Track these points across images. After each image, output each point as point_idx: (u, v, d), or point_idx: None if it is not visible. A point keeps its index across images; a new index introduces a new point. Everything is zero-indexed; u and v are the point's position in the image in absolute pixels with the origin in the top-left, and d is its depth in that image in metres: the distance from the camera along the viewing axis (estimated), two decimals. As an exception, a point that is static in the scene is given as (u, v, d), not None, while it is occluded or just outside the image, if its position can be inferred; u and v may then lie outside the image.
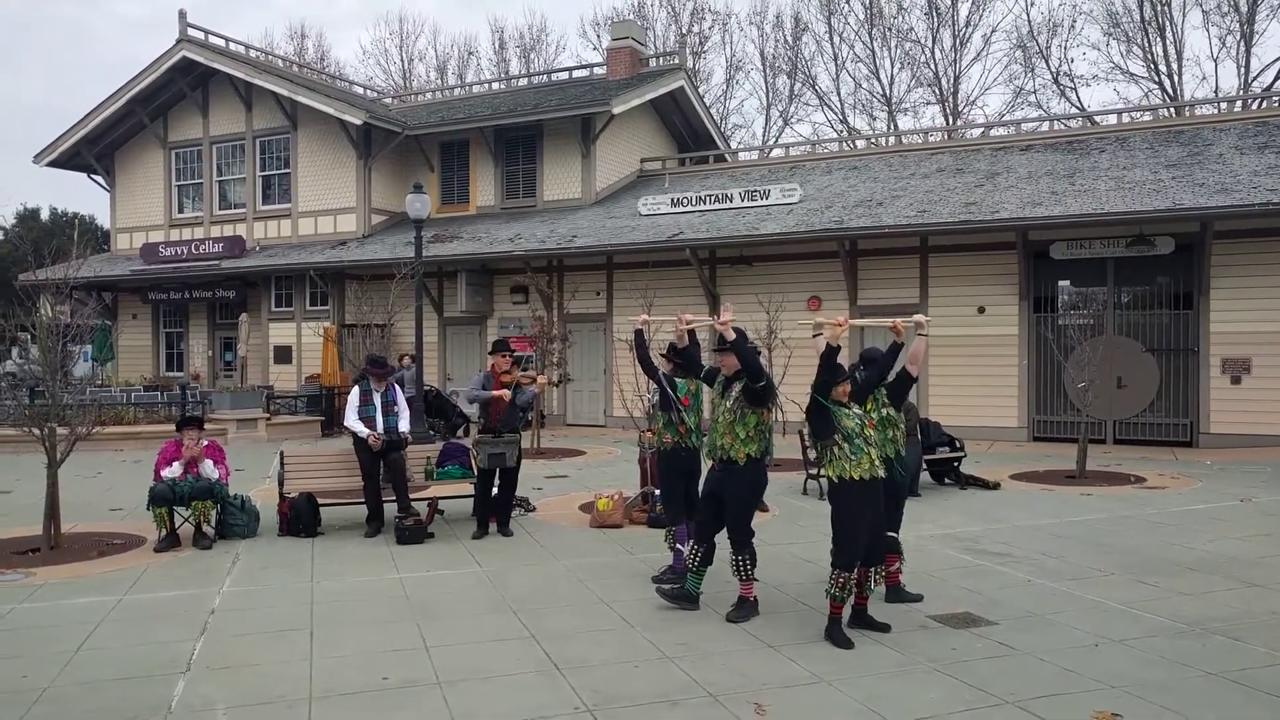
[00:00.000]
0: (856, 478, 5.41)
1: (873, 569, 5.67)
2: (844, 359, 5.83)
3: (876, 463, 5.52)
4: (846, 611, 5.58)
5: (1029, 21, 34.19)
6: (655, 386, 7.15)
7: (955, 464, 11.41)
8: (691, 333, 6.70)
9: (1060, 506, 9.85)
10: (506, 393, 8.48)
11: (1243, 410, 14.50)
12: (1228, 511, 9.49)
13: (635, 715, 4.42)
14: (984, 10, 35.11)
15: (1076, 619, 5.82)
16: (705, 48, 38.80)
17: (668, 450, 6.81)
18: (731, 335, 5.88)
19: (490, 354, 8.92)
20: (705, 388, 6.64)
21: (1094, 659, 5.09)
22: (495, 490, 8.78)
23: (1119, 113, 21.53)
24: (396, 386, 9.22)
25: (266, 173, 23.54)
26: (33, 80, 65.05)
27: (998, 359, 16.01)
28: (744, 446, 5.83)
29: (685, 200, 19.30)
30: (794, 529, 8.88)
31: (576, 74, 25.32)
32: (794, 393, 13.41)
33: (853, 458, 5.44)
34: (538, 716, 4.41)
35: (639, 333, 6.89)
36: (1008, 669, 4.94)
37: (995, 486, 11.12)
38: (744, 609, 5.95)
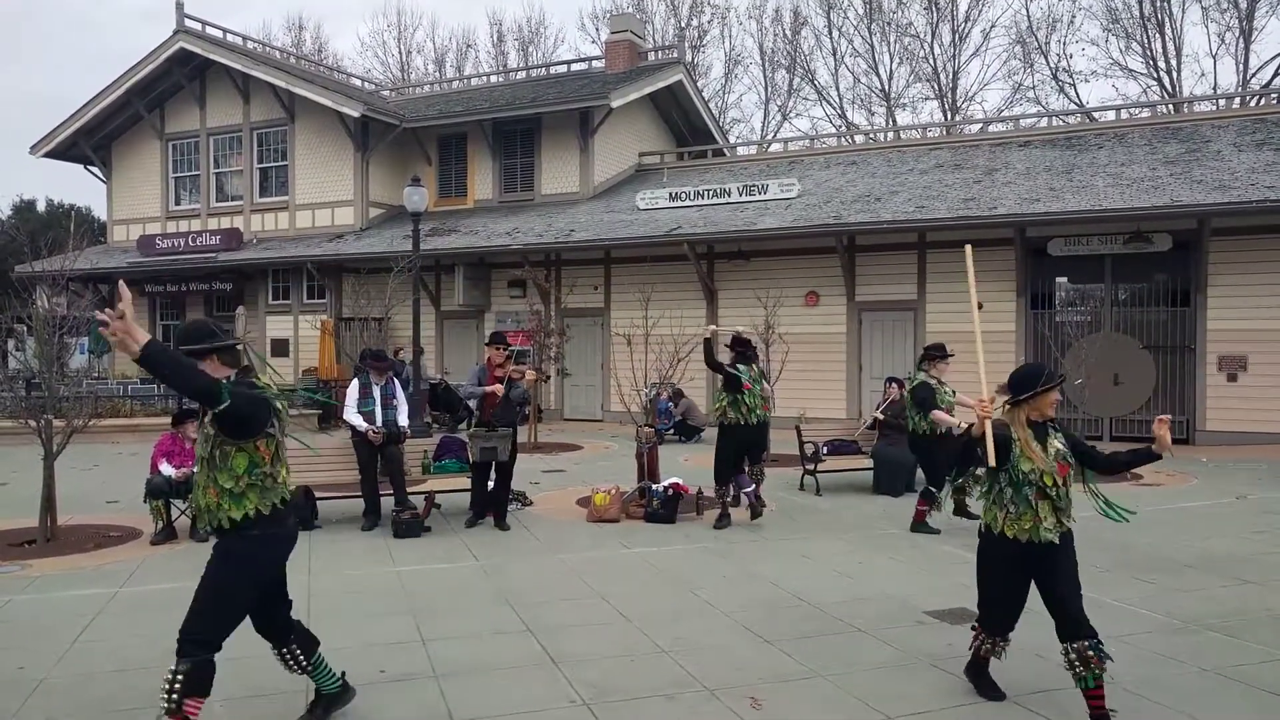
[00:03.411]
0: (1010, 535, 4.19)
1: (1074, 653, 4.06)
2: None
3: (1047, 526, 4.14)
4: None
5: (1028, 17, 34.33)
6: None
7: (952, 460, 11.39)
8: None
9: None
10: (499, 387, 8.52)
11: (1239, 408, 14.53)
12: (1224, 509, 9.51)
13: (632, 709, 4.42)
14: (983, 5, 35.15)
15: (1072, 615, 5.82)
16: (704, 41, 38.79)
17: (729, 425, 8.65)
18: (138, 343, 3.30)
19: (486, 345, 9.00)
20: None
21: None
22: (491, 485, 8.82)
23: (1117, 109, 21.52)
24: (396, 380, 9.22)
25: (264, 165, 23.47)
26: (31, 70, 64.84)
27: (995, 355, 15.97)
28: (235, 506, 3.80)
29: (683, 195, 19.28)
30: (791, 525, 8.87)
31: (575, 67, 25.28)
32: (793, 387, 13.49)
33: (1011, 509, 4.20)
34: (534, 710, 4.41)
35: (707, 341, 8.52)
36: (1004, 665, 4.93)
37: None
38: None
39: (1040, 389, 4.24)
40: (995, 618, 4.41)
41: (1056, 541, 4.16)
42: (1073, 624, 4.10)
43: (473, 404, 8.95)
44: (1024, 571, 4.25)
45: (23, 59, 64.62)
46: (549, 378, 16.35)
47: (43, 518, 7.98)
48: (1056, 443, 4.26)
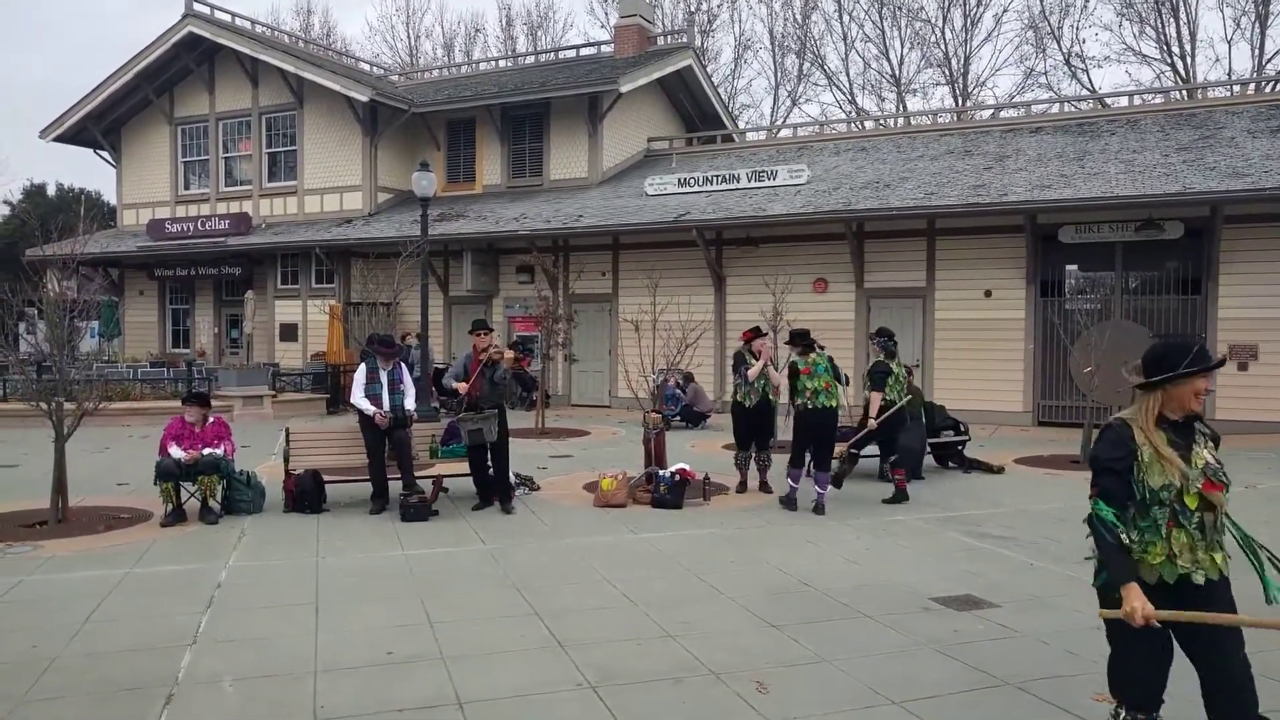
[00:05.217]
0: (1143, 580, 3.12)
1: None
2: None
3: (1184, 562, 3.15)
4: None
5: (1041, 1, 33.80)
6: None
7: (959, 447, 11.41)
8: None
9: (1064, 491, 9.85)
10: (465, 385, 8.62)
11: (1249, 397, 14.44)
12: (1233, 498, 9.45)
13: (637, 692, 4.44)
14: (995, -10, 34.76)
15: (1079, 602, 5.81)
16: (713, 26, 38.60)
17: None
18: None
19: (470, 333, 9.08)
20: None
21: (1096, 642, 5.05)
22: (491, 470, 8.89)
23: (1130, 95, 21.33)
24: (403, 365, 9.26)
25: (272, 149, 23.49)
26: (41, 56, 64.87)
27: (1004, 343, 15.96)
28: None
29: (692, 180, 19.22)
30: (797, 511, 8.87)
31: (584, 52, 25.18)
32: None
33: (1135, 537, 3.18)
34: (541, 692, 4.44)
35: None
36: (1009, 651, 4.96)
37: (999, 470, 11.12)
38: None
39: (1182, 371, 3.11)
40: (1136, 685, 3.30)
41: (1201, 584, 3.14)
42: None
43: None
44: (1163, 622, 3.12)
45: (32, 45, 64.68)
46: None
47: (54, 499, 8.05)
48: (1205, 453, 3.16)
